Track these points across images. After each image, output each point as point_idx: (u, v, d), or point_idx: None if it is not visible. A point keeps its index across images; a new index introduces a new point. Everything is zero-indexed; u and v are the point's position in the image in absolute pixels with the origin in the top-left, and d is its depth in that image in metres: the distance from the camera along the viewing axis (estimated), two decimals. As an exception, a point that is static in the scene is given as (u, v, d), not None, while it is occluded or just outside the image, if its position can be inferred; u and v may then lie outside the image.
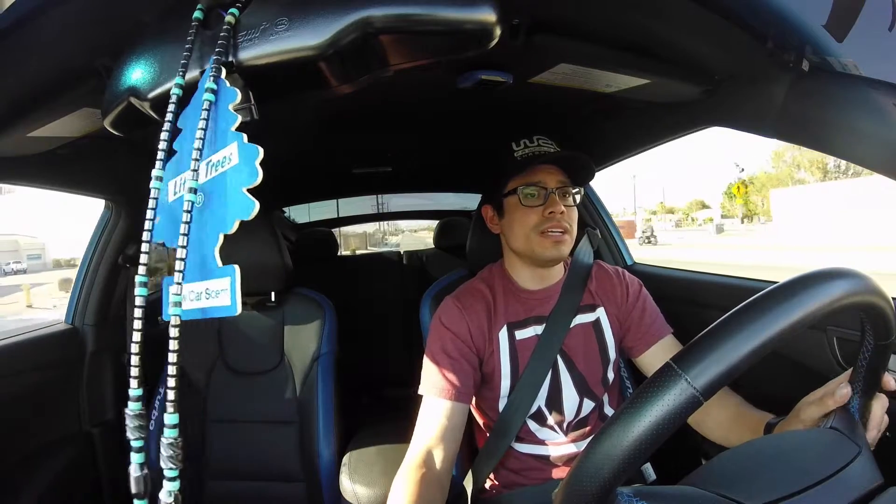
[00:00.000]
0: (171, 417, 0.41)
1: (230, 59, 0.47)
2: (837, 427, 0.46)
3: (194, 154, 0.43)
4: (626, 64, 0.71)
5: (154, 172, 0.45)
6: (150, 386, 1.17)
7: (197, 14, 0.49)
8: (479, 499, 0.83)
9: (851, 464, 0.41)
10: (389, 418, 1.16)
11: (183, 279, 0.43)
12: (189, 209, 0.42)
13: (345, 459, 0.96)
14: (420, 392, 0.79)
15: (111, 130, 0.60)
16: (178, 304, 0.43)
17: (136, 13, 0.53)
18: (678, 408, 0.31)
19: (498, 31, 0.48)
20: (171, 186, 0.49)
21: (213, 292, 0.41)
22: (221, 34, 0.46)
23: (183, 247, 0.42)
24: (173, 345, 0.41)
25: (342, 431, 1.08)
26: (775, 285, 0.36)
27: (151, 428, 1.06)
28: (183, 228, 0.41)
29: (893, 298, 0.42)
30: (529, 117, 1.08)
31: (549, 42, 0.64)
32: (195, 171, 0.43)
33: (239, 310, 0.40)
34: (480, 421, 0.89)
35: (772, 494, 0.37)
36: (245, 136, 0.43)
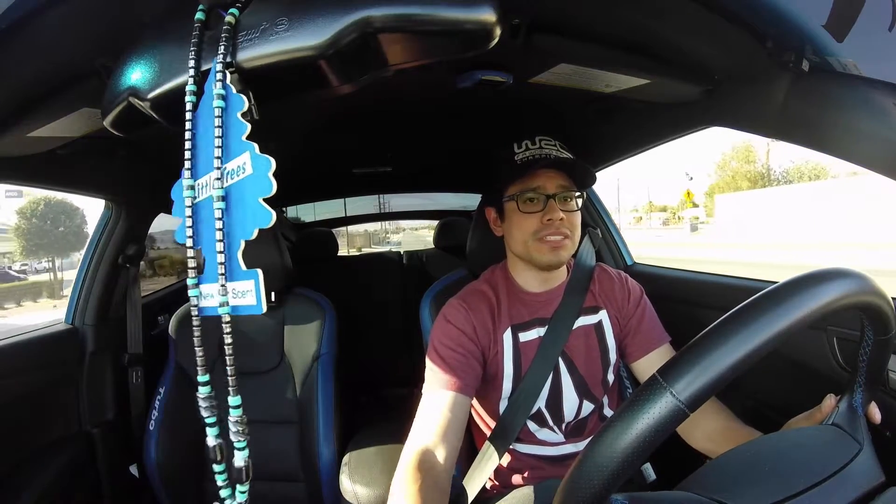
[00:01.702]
0: (234, 400, 0.48)
1: (230, 59, 0.47)
2: (839, 423, 0.46)
3: (216, 163, 0.45)
4: (626, 64, 0.70)
5: (185, 182, 0.49)
6: (150, 386, 1.17)
7: (199, 15, 0.49)
8: (479, 499, 0.83)
9: (852, 462, 0.41)
10: (389, 418, 1.16)
11: (201, 280, 0.48)
12: (220, 216, 0.46)
13: (345, 459, 0.96)
14: (423, 391, 0.77)
15: (111, 130, 0.60)
16: (225, 304, 0.47)
17: (136, 13, 0.53)
18: (664, 420, 0.31)
19: (498, 31, 0.48)
20: (196, 187, 0.50)
21: (240, 292, 0.45)
22: (222, 35, 0.46)
23: (220, 251, 0.47)
24: (228, 339, 0.46)
25: (342, 431, 1.07)
26: (761, 293, 0.36)
27: (152, 428, 1.06)
28: (218, 235, 0.46)
29: (894, 299, 0.42)
30: (529, 117, 1.08)
31: (549, 42, 0.64)
32: (220, 178, 0.46)
33: (264, 308, 0.44)
34: (480, 422, 0.89)
35: (771, 497, 0.37)
36: (257, 147, 0.44)
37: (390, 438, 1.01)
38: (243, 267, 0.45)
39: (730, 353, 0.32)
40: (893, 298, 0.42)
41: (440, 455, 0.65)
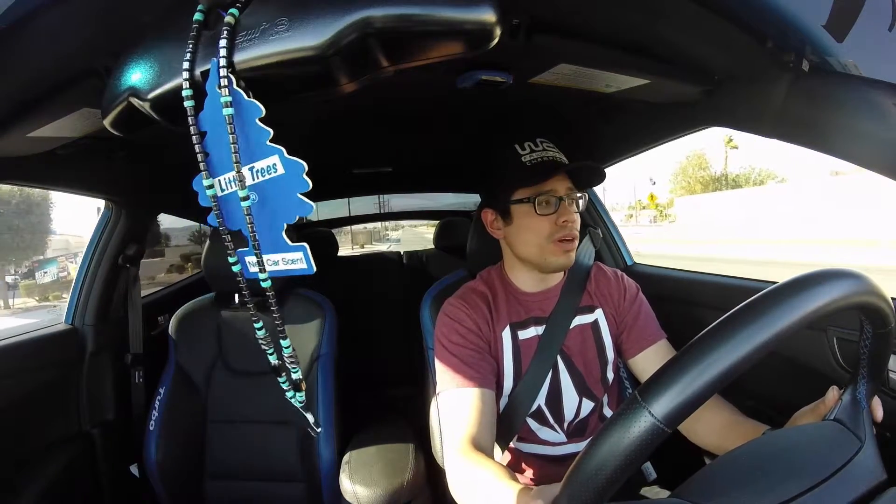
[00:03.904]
0: (285, 342, 0.60)
1: (231, 59, 0.47)
2: (841, 419, 0.46)
3: (235, 167, 0.49)
4: (626, 64, 0.70)
5: (205, 182, 0.52)
6: (149, 386, 1.17)
7: (197, 16, 0.49)
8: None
9: (853, 460, 0.41)
10: (389, 418, 1.15)
11: (244, 254, 0.56)
12: (248, 213, 0.51)
13: (345, 459, 0.96)
14: (437, 391, 0.78)
15: (111, 130, 0.60)
16: (266, 279, 0.54)
17: (136, 13, 0.53)
18: (643, 440, 0.32)
19: (498, 31, 0.48)
20: (215, 184, 0.54)
21: (290, 260, 0.52)
22: (222, 35, 0.46)
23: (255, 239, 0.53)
24: (273, 302, 0.55)
25: (342, 431, 1.07)
26: (744, 304, 0.35)
27: (152, 428, 1.06)
28: (249, 228, 0.51)
29: (894, 299, 0.42)
30: (529, 117, 1.08)
31: (549, 42, 0.64)
32: (241, 181, 0.49)
33: (314, 269, 0.51)
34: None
35: (770, 499, 0.37)
36: (285, 150, 0.47)
37: (390, 438, 1.01)
38: (289, 243, 0.51)
39: (707, 371, 0.32)
40: (894, 299, 0.42)
41: (479, 445, 0.68)
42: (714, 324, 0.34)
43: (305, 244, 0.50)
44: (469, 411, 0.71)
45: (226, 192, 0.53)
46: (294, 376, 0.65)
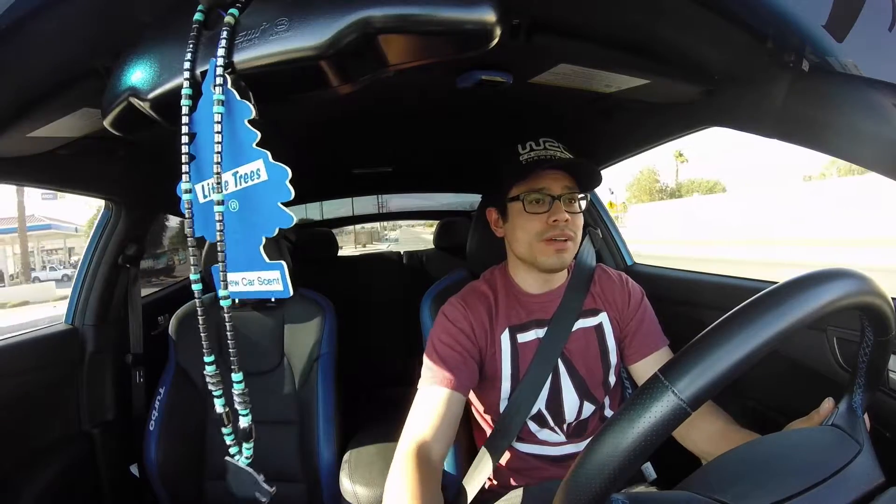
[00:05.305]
0: (237, 376, 0.54)
1: (229, 60, 0.47)
2: (839, 424, 0.46)
3: (215, 168, 0.47)
4: (626, 64, 0.70)
5: (183, 185, 0.50)
6: (149, 386, 1.17)
7: (198, 16, 0.49)
8: (478, 499, 0.83)
9: (852, 462, 0.41)
10: (389, 418, 1.15)
11: (226, 268, 0.52)
12: (220, 219, 0.48)
13: (345, 458, 0.96)
14: (419, 385, 0.78)
15: (111, 130, 0.60)
16: (226, 297, 0.51)
17: (136, 13, 0.53)
18: (665, 419, 0.31)
19: (498, 31, 0.48)
20: (198, 189, 0.52)
21: (266, 280, 0.50)
22: (221, 36, 0.46)
23: (221, 240, 0.50)
24: (228, 326, 0.52)
25: (342, 431, 1.07)
26: (765, 291, 0.36)
27: (152, 428, 1.06)
28: (218, 235, 0.49)
29: (894, 299, 0.42)
30: (529, 117, 1.08)
31: (549, 42, 0.64)
32: (219, 183, 0.48)
33: (291, 293, 0.48)
34: (481, 421, 0.89)
35: (772, 496, 0.37)
36: (269, 155, 0.46)
37: (390, 438, 1.01)
38: (266, 259, 0.49)
39: (732, 353, 0.32)
40: (894, 299, 0.42)
41: (434, 449, 0.69)
42: (741, 306, 0.35)
43: (283, 262, 0.49)
44: (434, 412, 0.72)
45: (208, 198, 0.51)
46: (243, 422, 0.56)
